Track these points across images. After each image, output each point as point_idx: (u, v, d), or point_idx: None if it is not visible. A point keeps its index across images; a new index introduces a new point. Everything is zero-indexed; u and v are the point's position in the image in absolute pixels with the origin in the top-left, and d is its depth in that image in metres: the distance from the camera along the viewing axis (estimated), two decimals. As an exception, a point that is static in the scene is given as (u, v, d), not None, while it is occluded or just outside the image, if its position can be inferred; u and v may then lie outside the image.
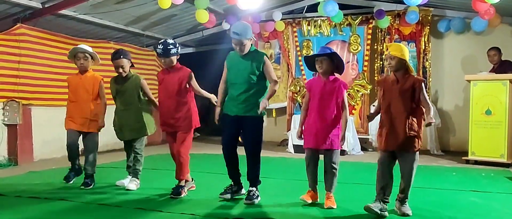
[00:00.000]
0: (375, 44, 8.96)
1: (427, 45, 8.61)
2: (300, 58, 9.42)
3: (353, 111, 8.97)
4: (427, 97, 3.72)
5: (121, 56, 4.74)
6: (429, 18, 8.54)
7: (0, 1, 6.40)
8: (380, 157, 3.83)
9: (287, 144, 8.45)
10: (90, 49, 4.94)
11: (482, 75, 6.99)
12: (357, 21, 8.97)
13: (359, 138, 8.43)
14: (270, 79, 4.21)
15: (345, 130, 4.02)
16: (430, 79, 8.62)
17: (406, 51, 3.72)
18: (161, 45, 4.38)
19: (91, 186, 4.80)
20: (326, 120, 3.96)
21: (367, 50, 8.95)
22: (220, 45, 10.49)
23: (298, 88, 9.38)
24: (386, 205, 3.71)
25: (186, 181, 4.55)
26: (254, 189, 4.18)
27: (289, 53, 9.58)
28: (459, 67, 8.68)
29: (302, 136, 4.14)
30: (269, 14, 9.53)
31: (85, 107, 4.83)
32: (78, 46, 4.98)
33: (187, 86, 4.44)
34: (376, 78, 8.93)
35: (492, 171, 6.16)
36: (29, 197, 4.34)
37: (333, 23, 9.03)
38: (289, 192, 4.65)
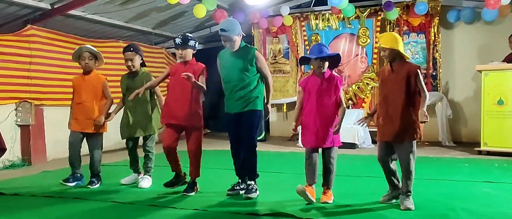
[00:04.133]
0: (384, 36, 8.89)
1: (436, 36, 8.54)
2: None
3: (363, 104, 8.95)
4: (423, 85, 3.63)
5: (131, 49, 4.75)
6: (438, 8, 8.46)
7: (10, 3, 6.47)
8: (378, 152, 3.79)
9: (297, 139, 8.44)
10: (94, 49, 4.91)
11: (494, 65, 6.92)
12: (365, 13, 8.92)
13: (369, 131, 8.39)
14: (264, 74, 4.20)
15: (341, 122, 3.95)
16: (441, 70, 8.56)
17: (397, 40, 3.65)
18: (180, 36, 4.35)
19: (97, 185, 4.82)
20: (326, 118, 3.89)
21: (376, 42, 8.90)
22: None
23: (307, 82, 9.36)
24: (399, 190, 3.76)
25: (180, 176, 4.53)
26: (252, 183, 4.19)
27: (298, 48, 9.56)
28: (470, 58, 8.59)
29: (297, 131, 4.11)
30: (276, 8, 9.51)
31: (89, 108, 4.79)
32: (83, 46, 4.97)
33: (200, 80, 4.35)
34: (385, 70, 8.89)
35: (505, 161, 6.10)
36: (44, 196, 4.40)
37: (342, 16, 8.99)
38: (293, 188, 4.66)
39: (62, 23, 7.52)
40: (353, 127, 7.97)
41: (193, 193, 4.37)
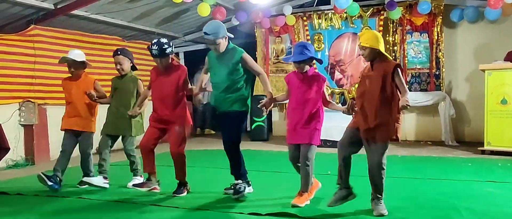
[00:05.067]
0: (387, 36, 8.89)
1: (440, 35, 8.53)
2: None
3: (366, 104, 8.92)
4: (403, 81, 3.52)
5: (119, 53, 4.80)
6: (442, 8, 8.45)
7: (13, 3, 6.49)
8: (342, 137, 3.67)
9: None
10: (79, 58, 4.88)
11: (497, 64, 6.90)
12: (368, 13, 8.91)
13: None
14: (256, 73, 4.22)
15: (339, 108, 3.98)
16: (444, 70, 8.54)
17: (378, 39, 3.56)
18: (155, 46, 4.25)
19: (86, 185, 4.85)
20: (304, 115, 3.87)
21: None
22: (231, 41, 10.47)
23: (310, 82, 9.35)
24: (351, 189, 3.66)
25: (150, 179, 4.45)
26: (240, 181, 4.18)
27: (300, 47, 9.54)
28: (473, 57, 8.57)
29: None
30: (279, 8, 9.50)
31: (80, 106, 4.86)
32: (67, 56, 4.91)
33: (184, 83, 4.41)
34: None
35: (508, 161, 6.09)
36: (47, 195, 4.42)
37: (344, 15, 8.99)
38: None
39: (66, 23, 7.54)
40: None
41: (183, 194, 4.37)
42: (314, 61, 4.03)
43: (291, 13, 9.34)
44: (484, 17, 8.16)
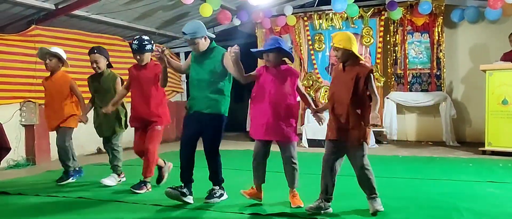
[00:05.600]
0: (388, 36, 8.90)
1: (440, 35, 8.52)
2: (312, 52, 9.42)
3: (367, 104, 8.92)
4: (374, 88, 3.50)
5: (95, 51, 4.82)
6: (442, 8, 8.44)
7: (14, 3, 6.50)
8: (326, 152, 3.64)
9: (301, 138, 8.44)
10: (57, 51, 4.99)
11: (498, 65, 6.90)
12: (369, 13, 8.91)
13: (373, 130, 8.36)
14: (231, 67, 4.08)
15: (312, 106, 3.95)
16: (445, 70, 8.54)
17: (352, 41, 3.53)
18: (136, 41, 4.40)
19: (66, 182, 4.93)
20: (278, 111, 3.77)
21: (379, 42, 8.89)
22: (232, 41, 10.47)
23: (311, 82, 9.36)
24: (330, 202, 3.59)
25: (146, 182, 4.51)
26: (217, 187, 4.10)
27: (301, 48, 9.56)
28: (474, 57, 8.57)
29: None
30: (280, 8, 9.51)
31: (58, 108, 4.93)
32: (43, 48, 5.08)
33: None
34: (389, 70, 8.89)
35: (509, 161, 6.09)
36: (48, 196, 4.42)
37: (345, 15, 8.99)
38: (305, 187, 4.65)
39: (66, 23, 7.54)
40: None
41: (141, 192, 4.38)
42: (287, 60, 4.00)
43: (292, 13, 9.34)
44: (484, 18, 8.16)
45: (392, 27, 8.88)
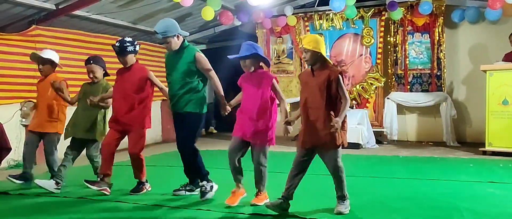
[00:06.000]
0: (388, 36, 8.89)
1: (441, 36, 8.52)
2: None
3: (367, 104, 8.94)
4: (344, 90, 3.52)
5: (91, 62, 4.79)
6: (443, 8, 8.44)
7: (15, 3, 6.50)
8: (297, 155, 3.68)
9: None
10: (46, 55, 4.99)
11: (498, 65, 6.90)
12: (369, 13, 8.91)
13: (373, 131, 8.39)
14: (208, 76, 4.11)
15: (287, 113, 3.92)
16: (445, 70, 8.53)
17: (321, 43, 3.58)
18: (117, 43, 4.38)
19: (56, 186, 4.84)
20: (252, 114, 3.82)
21: (380, 42, 8.89)
22: (232, 41, 10.51)
23: (311, 82, 9.35)
24: (289, 202, 3.63)
25: (103, 180, 4.49)
26: (205, 182, 4.14)
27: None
28: (474, 57, 8.56)
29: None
30: (280, 8, 9.51)
31: (43, 109, 4.92)
32: (36, 53, 5.10)
33: (148, 84, 4.44)
34: (389, 71, 8.89)
35: (510, 161, 6.09)
36: (48, 196, 4.42)
37: (345, 16, 8.99)
38: (305, 187, 4.65)
39: (67, 23, 7.55)
40: (357, 127, 7.97)
41: (141, 193, 4.43)
42: (262, 64, 4.01)
43: (292, 14, 9.34)
44: (485, 18, 8.15)
45: (392, 28, 8.87)
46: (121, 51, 4.37)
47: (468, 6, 8.33)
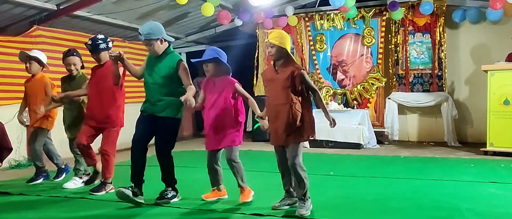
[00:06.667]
0: (389, 36, 8.89)
1: (442, 36, 8.51)
2: (313, 52, 9.41)
3: (368, 105, 8.93)
4: (312, 84, 3.55)
5: (74, 54, 4.84)
6: (444, 8, 8.43)
7: (16, 4, 6.51)
8: (277, 157, 3.71)
9: (302, 139, 8.43)
10: (36, 55, 5.06)
11: (500, 65, 6.89)
12: (370, 13, 8.90)
13: (374, 131, 8.38)
14: (186, 84, 4.01)
15: (257, 111, 3.91)
16: (446, 70, 8.53)
17: (287, 39, 3.59)
18: (90, 41, 4.44)
19: (37, 182, 4.95)
20: (215, 120, 3.85)
21: (381, 42, 8.89)
22: (233, 41, 10.51)
23: (312, 82, 9.34)
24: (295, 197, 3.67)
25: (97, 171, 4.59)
26: (169, 188, 4.11)
27: (303, 48, 9.55)
28: (475, 57, 8.56)
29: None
30: (281, 9, 9.50)
31: (33, 104, 5.00)
32: (23, 52, 5.14)
33: (122, 81, 4.44)
34: (390, 71, 8.88)
35: (511, 162, 6.07)
36: (49, 196, 4.42)
37: (346, 16, 8.99)
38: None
39: (68, 23, 7.56)
40: (358, 128, 7.96)
41: (101, 193, 4.39)
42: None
43: (293, 14, 9.34)
44: (486, 18, 8.14)
45: (393, 28, 8.87)
46: (93, 48, 4.42)
47: (469, 6, 8.32)
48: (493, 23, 8.26)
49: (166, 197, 4.05)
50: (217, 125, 3.88)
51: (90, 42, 4.44)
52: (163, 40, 4.03)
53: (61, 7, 7.07)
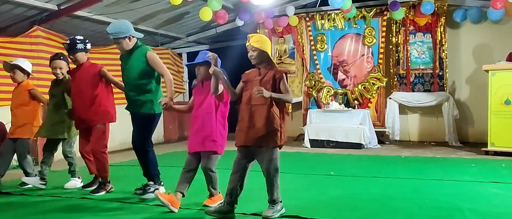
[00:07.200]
0: (390, 36, 8.88)
1: (443, 35, 8.50)
2: (314, 52, 9.41)
3: (369, 104, 8.92)
4: (288, 87, 3.54)
5: (61, 58, 4.82)
6: (445, 8, 8.43)
7: (17, 4, 6.52)
8: (237, 156, 3.59)
9: (303, 139, 8.45)
10: (18, 63, 5.04)
11: (501, 65, 6.88)
12: (371, 13, 8.90)
13: (375, 131, 8.38)
14: (161, 73, 4.10)
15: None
16: (447, 70, 8.52)
17: (268, 43, 3.59)
18: (68, 40, 4.47)
19: (28, 186, 4.88)
20: (199, 124, 3.81)
21: (382, 42, 8.88)
22: (234, 41, 10.52)
23: (313, 82, 9.35)
24: (233, 208, 3.54)
25: (104, 182, 4.53)
26: (151, 183, 4.19)
27: (304, 48, 9.56)
28: (476, 57, 8.55)
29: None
30: (282, 9, 9.51)
31: (16, 112, 4.98)
32: (6, 62, 5.13)
33: (102, 81, 4.46)
34: (391, 70, 8.88)
35: (512, 161, 6.07)
36: (51, 196, 4.43)
37: (347, 16, 8.99)
38: (307, 186, 4.65)
39: (69, 24, 7.57)
40: (359, 127, 7.96)
41: (102, 193, 4.41)
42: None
43: (294, 14, 9.34)
44: (487, 18, 8.13)
45: (394, 27, 8.87)
46: (70, 48, 4.43)
47: (470, 6, 8.32)
48: (494, 22, 8.25)
49: (148, 191, 4.12)
50: (200, 127, 3.80)
51: (67, 42, 4.47)
52: (132, 37, 4.13)
53: (61, 7, 7.07)
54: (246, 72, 3.74)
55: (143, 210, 3.86)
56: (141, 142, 4.19)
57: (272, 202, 3.52)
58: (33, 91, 5.00)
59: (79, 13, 7.29)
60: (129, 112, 4.26)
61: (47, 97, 5.01)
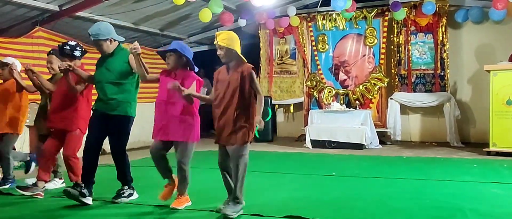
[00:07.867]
0: (391, 37, 8.87)
1: (444, 36, 8.49)
2: (316, 53, 9.41)
3: (371, 105, 8.92)
4: (258, 85, 3.54)
5: (52, 52, 4.84)
6: (446, 8, 8.42)
7: (19, 5, 6.53)
8: (218, 157, 3.64)
9: (305, 139, 8.44)
10: (8, 61, 5.06)
11: (502, 65, 6.88)
12: (372, 13, 8.90)
13: (377, 131, 8.37)
14: (140, 75, 4.04)
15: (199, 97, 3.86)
16: (448, 71, 8.51)
17: (236, 40, 3.56)
18: (61, 44, 4.49)
19: (5, 187, 4.87)
20: (173, 112, 3.78)
21: (383, 42, 8.88)
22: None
23: (315, 83, 9.35)
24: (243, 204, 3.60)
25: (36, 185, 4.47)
26: (126, 187, 4.17)
27: (305, 48, 9.56)
28: (478, 57, 8.54)
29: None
30: (283, 9, 9.51)
31: (3, 112, 4.97)
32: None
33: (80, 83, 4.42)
34: (393, 71, 8.87)
35: (514, 162, 6.06)
36: (52, 196, 4.43)
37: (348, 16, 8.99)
38: (308, 187, 4.65)
39: (70, 24, 7.57)
40: (361, 128, 7.95)
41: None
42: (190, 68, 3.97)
43: (295, 14, 9.34)
44: (489, 18, 8.12)
45: (395, 28, 8.86)
46: (59, 51, 4.47)
47: (471, 6, 8.31)
48: (496, 23, 8.23)
49: (122, 195, 4.11)
50: (169, 116, 3.79)
51: (60, 45, 4.49)
52: (113, 39, 4.14)
53: (63, 8, 7.08)
54: (217, 71, 3.75)
55: (143, 209, 3.86)
56: (121, 146, 4.16)
57: (236, 199, 3.55)
58: (16, 84, 4.98)
59: (80, 13, 7.30)
60: (96, 114, 4.14)
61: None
